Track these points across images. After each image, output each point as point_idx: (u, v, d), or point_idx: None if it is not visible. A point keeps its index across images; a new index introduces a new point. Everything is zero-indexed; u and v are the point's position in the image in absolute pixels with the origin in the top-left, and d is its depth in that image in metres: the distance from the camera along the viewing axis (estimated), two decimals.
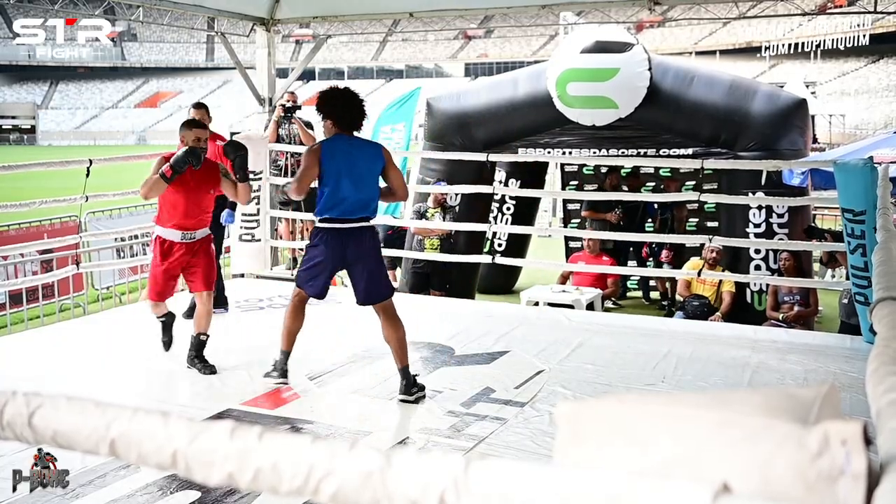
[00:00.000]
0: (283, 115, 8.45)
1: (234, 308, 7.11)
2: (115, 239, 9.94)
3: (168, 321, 5.56)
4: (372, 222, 4.77)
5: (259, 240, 7.99)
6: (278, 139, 8.41)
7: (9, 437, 1.14)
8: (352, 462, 0.81)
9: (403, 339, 4.77)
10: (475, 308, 7.46)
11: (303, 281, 4.78)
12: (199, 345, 5.33)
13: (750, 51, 52.86)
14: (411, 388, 4.73)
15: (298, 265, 4.88)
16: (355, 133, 4.73)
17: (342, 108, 4.65)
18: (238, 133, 8.31)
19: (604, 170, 10.17)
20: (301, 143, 8.51)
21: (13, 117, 68.90)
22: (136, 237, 10.52)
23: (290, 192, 4.79)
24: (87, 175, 6.51)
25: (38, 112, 69.74)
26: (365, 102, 4.78)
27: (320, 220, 4.68)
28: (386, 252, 9.77)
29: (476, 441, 4.17)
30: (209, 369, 5.25)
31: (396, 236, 9.94)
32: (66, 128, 66.96)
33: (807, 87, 33.18)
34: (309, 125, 8.71)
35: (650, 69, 8.38)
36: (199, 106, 6.92)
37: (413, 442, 4.19)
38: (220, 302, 7.09)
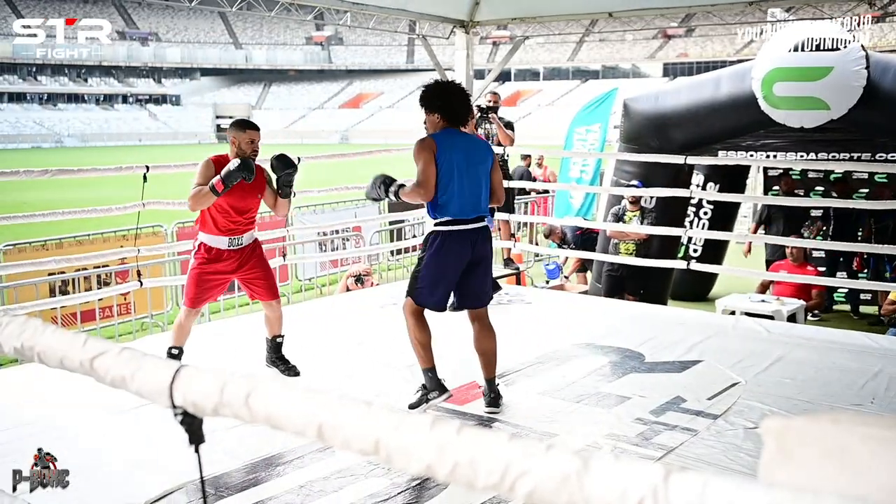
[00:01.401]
0: (480, 115, 8.57)
1: None
2: (318, 233, 10.47)
3: (178, 357, 4.98)
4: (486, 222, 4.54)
5: None
6: None
7: (227, 414, 1.23)
8: (549, 463, 0.81)
9: (496, 350, 4.64)
10: (668, 314, 7.26)
11: (424, 295, 4.46)
12: (276, 347, 5.14)
13: None
14: (499, 400, 4.64)
15: (413, 276, 4.53)
16: (462, 129, 4.48)
17: (451, 101, 4.39)
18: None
19: (811, 174, 9.63)
20: (499, 144, 8.60)
21: (230, 117, 73.92)
22: (336, 232, 11.03)
23: (413, 196, 4.41)
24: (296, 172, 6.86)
25: (253, 112, 74.57)
26: (470, 97, 4.56)
27: (440, 223, 4.40)
28: (577, 254, 9.76)
29: (665, 451, 4.06)
30: (292, 371, 5.07)
31: (586, 238, 9.85)
32: (277, 127, 71.19)
33: None
34: (509, 125, 8.78)
35: (868, 67, 7.83)
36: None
37: (599, 447, 4.13)
38: None
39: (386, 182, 4.52)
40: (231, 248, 4.83)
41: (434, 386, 4.52)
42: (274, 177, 4.91)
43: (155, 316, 8.83)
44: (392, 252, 11.25)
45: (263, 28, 78.45)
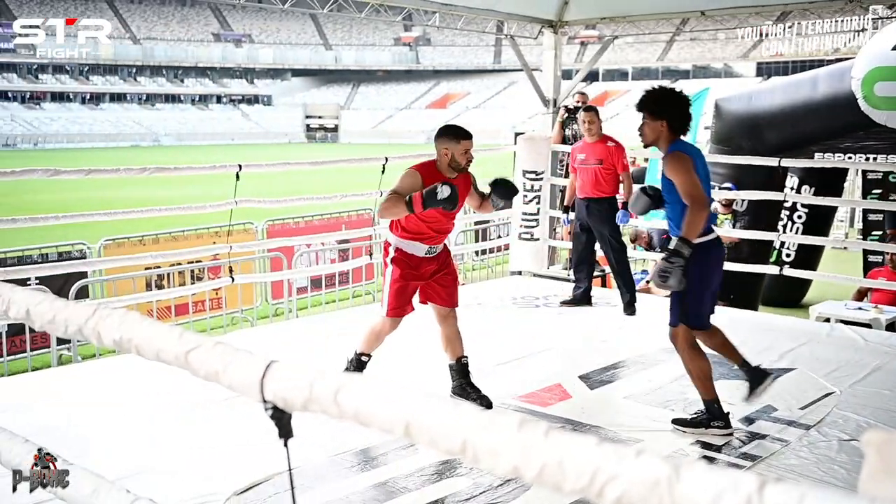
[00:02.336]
0: (567, 115, 8.52)
1: (510, 304, 7.28)
2: None
3: (366, 365, 4.74)
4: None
5: (538, 239, 8.12)
6: (563, 140, 8.50)
7: (316, 410, 1.25)
8: (639, 468, 0.80)
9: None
10: (758, 320, 7.07)
11: (698, 316, 4.18)
12: (463, 370, 4.62)
13: None
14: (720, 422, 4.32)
15: (684, 300, 4.16)
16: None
17: (680, 108, 4.15)
18: (522, 133, 8.48)
19: None
20: None
21: (320, 117, 75.41)
22: None
23: (699, 220, 3.99)
24: (383, 171, 6.94)
25: (342, 112, 75.71)
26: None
27: (702, 236, 4.06)
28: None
29: (755, 461, 3.95)
30: (484, 401, 4.51)
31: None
32: (365, 127, 72.17)
33: None
34: None
35: None
36: (590, 109, 6.90)
37: (686, 455, 4.05)
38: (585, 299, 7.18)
39: (679, 250, 4.01)
40: (427, 255, 4.47)
41: (719, 415, 4.24)
42: (487, 189, 4.54)
43: (245, 311, 9.05)
44: (476, 252, 11.26)
45: (353, 29, 79.55)
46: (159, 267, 8.25)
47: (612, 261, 6.93)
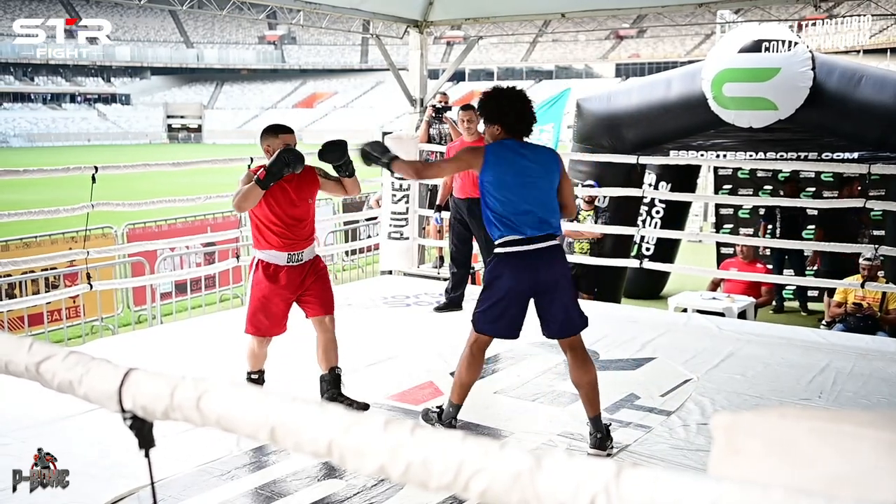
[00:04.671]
0: (433, 115, 8.60)
1: (381, 304, 7.28)
2: None
3: (260, 382, 4.53)
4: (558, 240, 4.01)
5: (407, 238, 8.15)
6: (429, 139, 8.57)
7: (178, 418, 1.21)
8: (502, 461, 0.81)
9: (596, 382, 4.06)
10: (621, 312, 7.33)
11: (483, 322, 3.99)
12: (336, 381, 4.51)
13: None
14: (606, 442, 4.03)
15: (476, 305, 4.08)
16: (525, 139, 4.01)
17: (514, 111, 3.92)
18: (390, 133, 8.50)
19: (759, 174, 9.78)
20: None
21: (182, 117, 73.16)
22: None
23: (405, 169, 4.09)
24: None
25: (205, 112, 73.71)
26: (534, 104, 4.07)
27: (500, 245, 3.91)
28: None
29: (619, 448, 4.10)
30: (361, 406, 4.45)
31: None
32: (230, 127, 70.46)
33: None
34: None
35: (814, 68, 8.00)
36: (467, 108, 6.66)
37: (555, 445, 4.16)
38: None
39: (384, 149, 4.09)
40: (291, 263, 4.32)
41: (447, 420, 4.26)
42: (329, 167, 4.44)
43: (105, 319, 8.68)
44: (346, 252, 11.20)
45: (215, 27, 77.58)
46: (10, 275, 7.80)
47: (486, 260, 7.02)
